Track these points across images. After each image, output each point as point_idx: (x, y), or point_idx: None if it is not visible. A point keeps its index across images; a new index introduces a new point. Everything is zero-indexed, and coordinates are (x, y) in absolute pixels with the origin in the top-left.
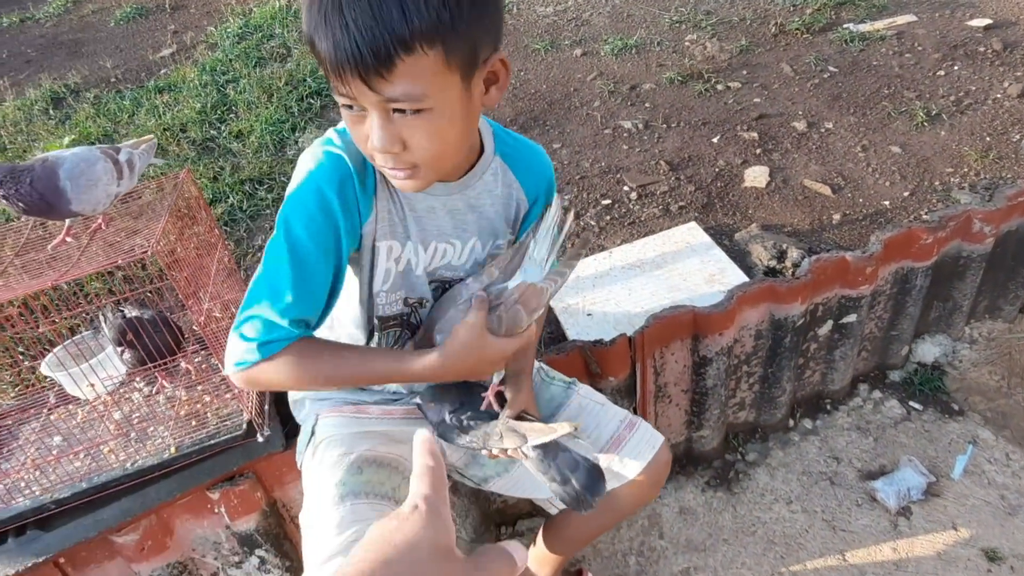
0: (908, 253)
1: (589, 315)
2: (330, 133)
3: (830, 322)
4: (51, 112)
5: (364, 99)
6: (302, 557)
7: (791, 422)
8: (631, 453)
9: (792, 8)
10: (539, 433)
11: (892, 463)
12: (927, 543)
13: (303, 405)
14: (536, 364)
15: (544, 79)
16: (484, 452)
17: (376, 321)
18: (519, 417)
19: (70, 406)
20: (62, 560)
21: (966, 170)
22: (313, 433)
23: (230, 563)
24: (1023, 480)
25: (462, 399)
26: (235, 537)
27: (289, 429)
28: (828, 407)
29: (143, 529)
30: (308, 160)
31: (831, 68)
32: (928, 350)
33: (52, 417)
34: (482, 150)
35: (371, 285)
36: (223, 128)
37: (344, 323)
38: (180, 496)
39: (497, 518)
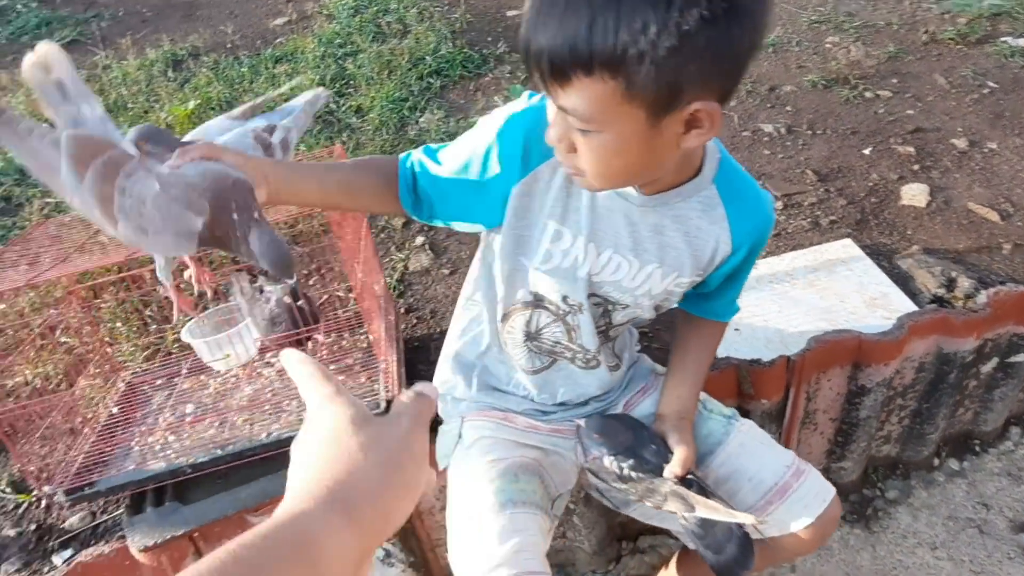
0: None
1: (737, 330)
2: None
3: (996, 359)
4: (170, 74)
5: (550, 96)
6: (425, 551)
7: (936, 461)
8: (798, 505)
9: (944, 16)
10: (710, 511)
11: None
12: None
13: (444, 401)
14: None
15: None
16: (635, 499)
17: (533, 296)
18: (686, 482)
19: (202, 376)
20: (196, 534)
21: None
22: (460, 436)
23: None
24: None
25: (629, 443)
26: None
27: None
28: (977, 448)
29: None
30: (517, 103)
31: (990, 83)
32: None
33: (184, 386)
34: (698, 172)
35: (531, 258)
36: (342, 102)
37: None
38: None
39: (619, 531)
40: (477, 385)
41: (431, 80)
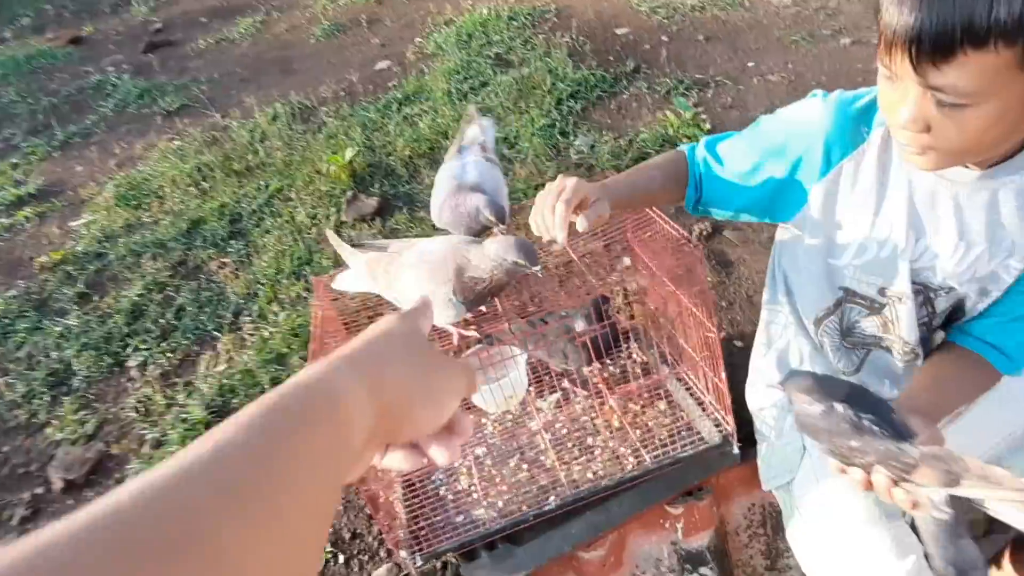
0: None
1: None
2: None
3: None
4: (297, 126)
5: (906, 78)
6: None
7: None
8: None
9: None
10: (986, 485)
11: None
12: None
13: (764, 416)
14: None
15: (819, 71)
16: (860, 468)
17: (843, 291)
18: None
19: (471, 415)
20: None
21: None
22: (805, 448)
23: None
24: None
25: (871, 402)
26: (679, 554)
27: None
28: None
29: (609, 545)
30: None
31: None
32: None
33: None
34: None
35: (839, 256)
36: None
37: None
38: (645, 511)
39: None
40: None
41: (570, 104)
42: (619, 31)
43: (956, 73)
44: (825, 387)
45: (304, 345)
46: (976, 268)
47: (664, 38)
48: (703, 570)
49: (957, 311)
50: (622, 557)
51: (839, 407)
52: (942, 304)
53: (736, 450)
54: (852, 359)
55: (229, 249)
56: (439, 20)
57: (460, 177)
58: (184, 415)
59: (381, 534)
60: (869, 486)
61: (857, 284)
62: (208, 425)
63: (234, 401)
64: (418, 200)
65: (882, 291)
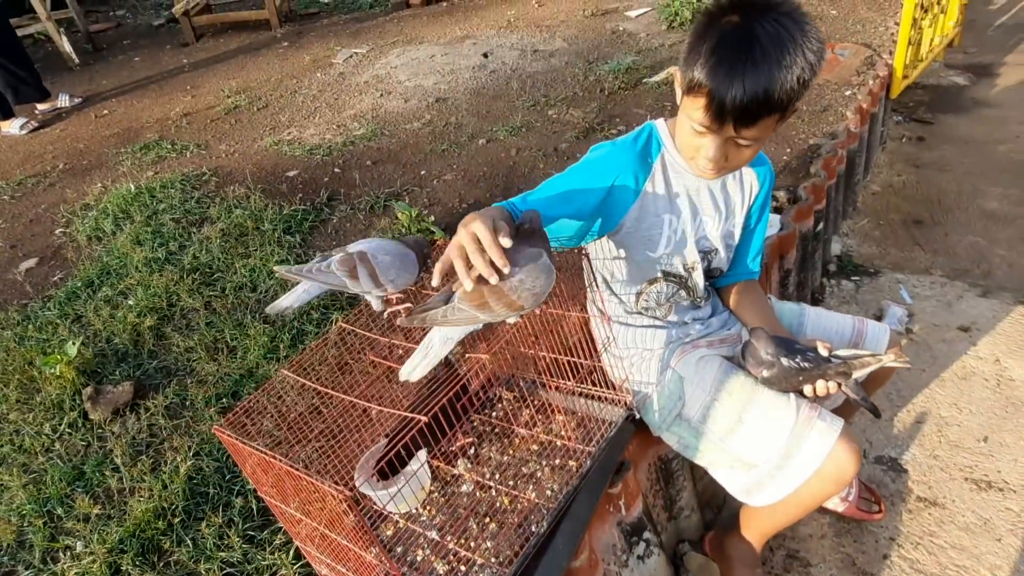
0: None
1: None
2: (656, 126)
3: None
4: None
5: (721, 133)
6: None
7: None
8: (873, 342)
9: (611, 74)
10: (864, 367)
11: None
12: None
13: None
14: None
15: (480, 163)
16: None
17: (660, 273)
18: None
19: (421, 511)
20: None
21: None
22: (681, 376)
23: (620, 563)
24: None
25: (791, 347)
26: (623, 531)
27: None
28: None
29: (585, 547)
30: (634, 133)
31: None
32: None
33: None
34: None
35: (657, 247)
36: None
37: (628, 275)
38: (600, 501)
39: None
40: None
41: (290, 238)
42: (290, 174)
43: (756, 130)
44: (773, 340)
45: None
46: (723, 229)
47: (336, 170)
48: (645, 535)
49: (714, 262)
50: (595, 554)
51: (784, 361)
52: (713, 261)
53: (636, 415)
54: (665, 309)
55: None
56: (75, 207)
57: (358, 249)
58: None
59: None
60: (813, 394)
61: (669, 266)
62: None
63: None
64: (180, 369)
65: (684, 266)
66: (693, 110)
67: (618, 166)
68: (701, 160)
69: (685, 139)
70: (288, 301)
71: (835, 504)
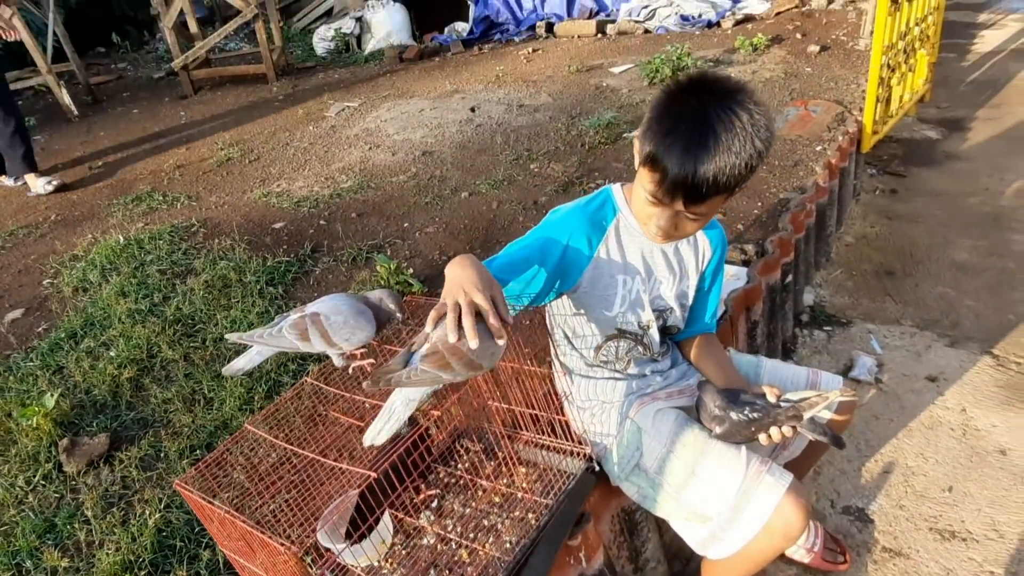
0: None
1: None
2: (613, 191)
3: None
4: None
5: (672, 207)
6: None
7: None
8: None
9: (592, 130)
10: (812, 408)
11: None
12: None
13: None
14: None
15: (461, 217)
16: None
17: (617, 331)
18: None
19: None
20: None
21: None
22: (639, 428)
23: None
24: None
25: (739, 399)
26: None
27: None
28: None
29: None
30: (589, 197)
31: None
32: None
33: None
34: None
35: (613, 306)
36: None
37: (587, 331)
38: (560, 553)
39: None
40: None
41: (272, 289)
42: (276, 225)
43: (705, 207)
44: (721, 394)
45: None
46: (677, 289)
47: (322, 222)
48: None
49: (670, 320)
50: None
51: (733, 416)
52: (668, 319)
53: (597, 467)
54: (624, 363)
55: None
56: (64, 258)
57: (312, 310)
58: None
59: None
60: (769, 441)
61: (625, 324)
62: None
63: None
64: (157, 420)
65: (640, 324)
66: (647, 181)
67: (570, 229)
68: (652, 227)
69: (639, 205)
70: (241, 363)
71: (801, 555)
